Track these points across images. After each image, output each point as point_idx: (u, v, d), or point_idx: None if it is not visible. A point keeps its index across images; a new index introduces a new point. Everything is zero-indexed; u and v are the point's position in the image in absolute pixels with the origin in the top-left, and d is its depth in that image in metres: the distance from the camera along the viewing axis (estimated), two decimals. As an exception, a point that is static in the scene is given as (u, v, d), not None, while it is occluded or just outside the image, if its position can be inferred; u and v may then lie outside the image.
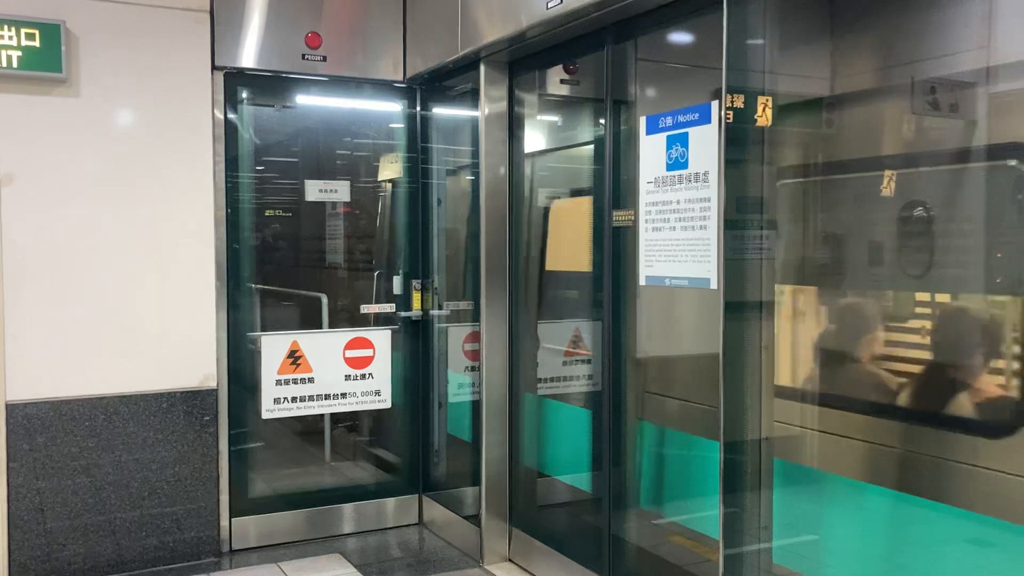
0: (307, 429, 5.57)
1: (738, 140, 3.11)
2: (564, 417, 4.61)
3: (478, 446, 4.53)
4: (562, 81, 4.49)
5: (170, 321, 4.42)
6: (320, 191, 4.94)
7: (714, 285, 3.12)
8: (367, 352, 4.85)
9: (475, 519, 4.58)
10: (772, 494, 3.18)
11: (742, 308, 3.12)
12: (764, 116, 3.20)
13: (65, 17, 4.11)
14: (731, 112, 3.06)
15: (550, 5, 3.65)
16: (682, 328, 4.07)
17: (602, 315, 3.91)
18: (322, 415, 5.29)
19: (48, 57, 4.06)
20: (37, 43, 4.04)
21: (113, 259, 4.30)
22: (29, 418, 4.15)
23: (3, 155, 4.08)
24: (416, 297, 5.06)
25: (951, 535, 2.94)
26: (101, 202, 4.27)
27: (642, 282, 3.52)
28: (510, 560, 4.50)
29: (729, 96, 3.03)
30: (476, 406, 4.63)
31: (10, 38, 3.99)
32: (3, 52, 3.97)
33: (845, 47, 3.47)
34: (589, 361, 4.40)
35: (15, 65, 4.00)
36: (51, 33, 4.06)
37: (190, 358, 4.48)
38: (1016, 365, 2.84)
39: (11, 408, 4.12)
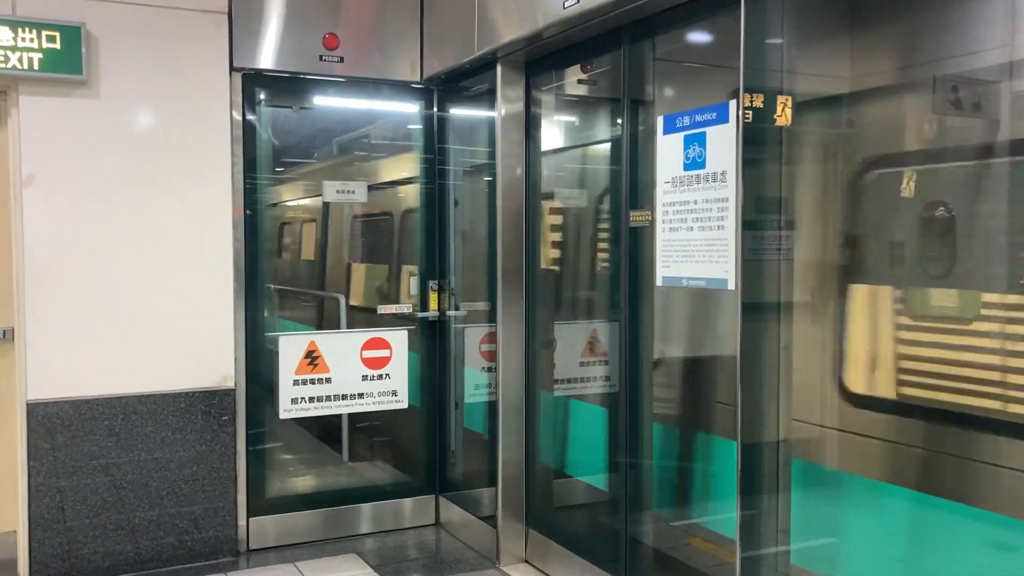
0: (324, 429, 5.59)
1: (756, 139, 3.08)
2: (581, 418, 4.59)
3: (494, 447, 4.52)
4: (579, 81, 4.48)
5: (188, 321, 4.44)
6: (337, 192, 4.95)
7: (732, 286, 3.10)
8: (384, 352, 4.86)
9: (492, 520, 4.58)
10: (790, 496, 3.15)
11: (760, 309, 3.09)
12: (784, 115, 3.18)
13: (85, 19, 4.14)
14: (750, 112, 3.04)
15: (567, 4, 3.64)
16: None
17: (619, 316, 3.89)
18: (339, 415, 5.30)
19: (68, 59, 4.09)
20: (58, 45, 4.07)
21: (132, 259, 4.32)
22: (49, 417, 4.18)
23: (24, 157, 4.12)
24: (433, 298, 5.06)
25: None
26: (120, 202, 4.29)
27: (659, 283, 3.51)
28: (527, 562, 4.49)
29: (747, 95, 3.00)
30: (492, 407, 4.62)
31: (31, 40, 4.02)
32: (24, 54, 4.01)
33: (864, 45, 3.44)
34: (606, 362, 4.38)
35: (36, 67, 4.03)
36: (71, 35, 4.09)
37: (208, 358, 4.50)
38: None
39: (32, 407, 4.15)
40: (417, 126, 5.15)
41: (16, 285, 4.18)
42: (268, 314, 4.88)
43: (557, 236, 4.80)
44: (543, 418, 4.53)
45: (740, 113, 3.02)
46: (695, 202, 3.31)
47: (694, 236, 3.31)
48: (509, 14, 4.11)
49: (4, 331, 4.27)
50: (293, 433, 5.24)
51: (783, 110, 3.19)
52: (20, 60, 4.00)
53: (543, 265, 4.54)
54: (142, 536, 4.38)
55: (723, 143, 3.17)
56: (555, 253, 4.72)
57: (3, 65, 3.97)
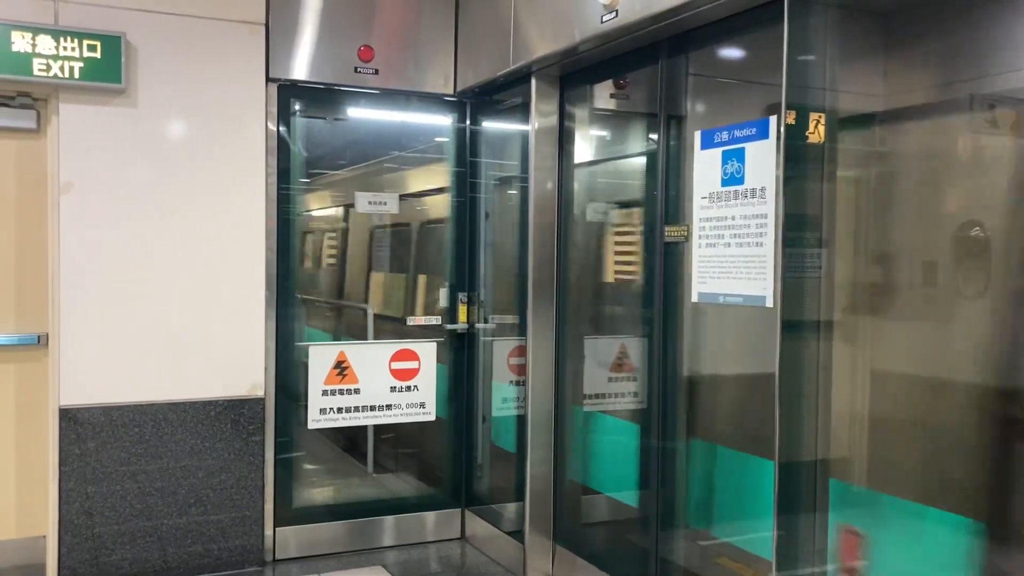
0: (350, 440, 5.59)
1: (797, 156, 3.06)
2: (611, 434, 4.56)
3: (523, 461, 4.49)
4: (613, 96, 4.47)
5: (219, 330, 4.46)
6: (370, 203, 4.97)
7: (770, 303, 3.07)
8: (413, 364, 4.85)
9: (518, 535, 4.55)
10: (828, 517, 3.11)
11: (800, 327, 3.06)
12: (817, 132, 3.16)
13: (126, 29, 4.19)
14: (790, 128, 3.02)
15: (604, 19, 3.64)
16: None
17: (651, 332, 3.86)
18: (366, 426, 5.30)
19: (108, 68, 4.13)
20: (98, 54, 4.11)
21: (166, 268, 4.35)
22: (81, 423, 4.20)
23: (63, 164, 4.16)
24: (462, 310, 5.06)
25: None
26: (154, 211, 4.32)
27: (694, 299, 3.48)
28: (553, 578, 4.46)
29: (789, 112, 2.98)
30: (521, 421, 4.60)
31: (73, 49, 4.06)
32: (65, 63, 4.05)
33: (908, 62, 3.41)
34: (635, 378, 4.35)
35: (76, 76, 4.08)
36: (112, 45, 4.13)
37: (238, 367, 4.51)
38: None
39: (64, 412, 4.18)
40: (450, 139, 5.16)
41: (51, 291, 4.21)
42: (299, 324, 4.89)
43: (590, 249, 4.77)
44: (572, 433, 4.50)
45: (781, 129, 3.00)
46: (733, 218, 3.29)
47: (732, 252, 3.29)
48: (545, 28, 4.12)
49: (39, 337, 4.30)
50: (320, 443, 5.24)
51: (815, 127, 3.17)
52: (61, 68, 4.05)
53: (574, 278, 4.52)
54: (169, 544, 4.38)
55: (763, 159, 3.15)
56: (590, 267, 4.70)
57: (45, 73, 4.02)
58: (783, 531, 2.97)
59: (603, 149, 4.80)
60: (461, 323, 5.07)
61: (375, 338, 5.22)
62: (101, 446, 4.24)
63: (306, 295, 5.15)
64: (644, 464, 4.07)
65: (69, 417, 4.18)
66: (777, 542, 2.96)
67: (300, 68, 4.62)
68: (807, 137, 3.16)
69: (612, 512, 4.56)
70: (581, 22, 3.81)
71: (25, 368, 4.35)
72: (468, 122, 5.09)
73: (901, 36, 3.38)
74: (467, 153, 5.10)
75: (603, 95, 4.48)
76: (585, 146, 4.58)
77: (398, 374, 4.83)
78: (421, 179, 5.47)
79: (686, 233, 3.59)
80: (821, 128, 3.19)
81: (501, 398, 4.96)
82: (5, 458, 4.36)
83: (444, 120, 5.12)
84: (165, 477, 4.37)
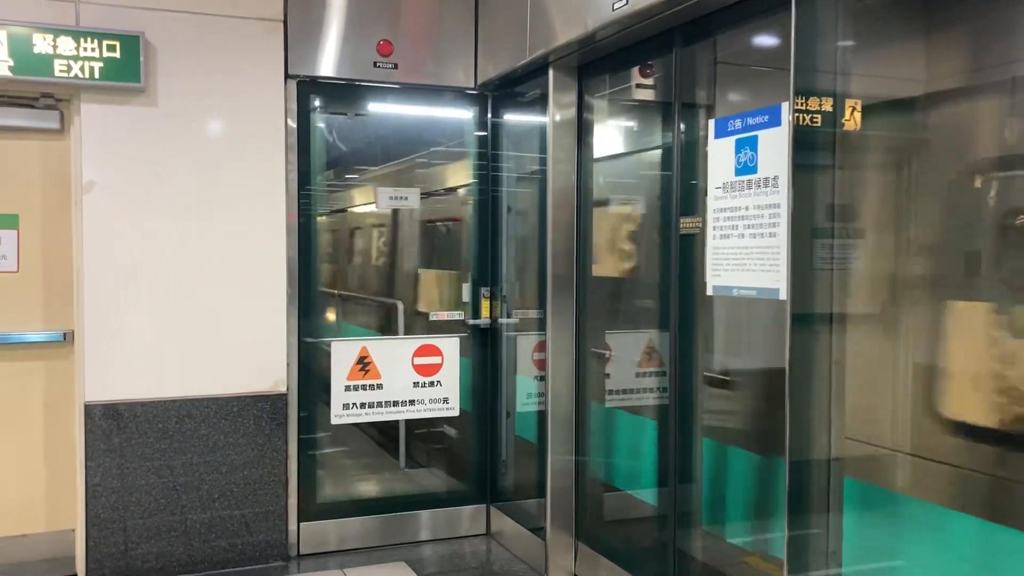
0: (378, 434, 5.59)
1: (808, 143, 2.95)
2: (630, 430, 4.48)
3: (544, 458, 4.44)
4: (639, 85, 4.38)
5: (242, 326, 4.48)
6: (391, 198, 4.95)
7: (783, 295, 2.97)
8: (435, 359, 4.83)
9: (541, 532, 4.50)
10: (842, 517, 2.99)
11: (811, 320, 2.96)
12: (852, 120, 3.05)
13: (144, 28, 4.23)
14: (815, 115, 2.92)
15: (616, 7, 3.56)
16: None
17: (669, 325, 3.78)
18: (397, 422, 5.30)
19: (127, 68, 4.17)
20: (117, 54, 4.15)
21: (188, 265, 4.39)
22: (106, 419, 4.26)
23: (85, 163, 4.22)
24: (485, 305, 5.02)
25: None
26: (175, 209, 4.36)
27: (709, 291, 3.39)
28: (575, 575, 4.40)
29: (798, 98, 2.88)
30: (542, 416, 4.55)
31: (92, 50, 4.11)
32: (86, 63, 4.11)
33: (932, 44, 3.27)
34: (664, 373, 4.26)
35: (96, 76, 4.13)
36: (131, 44, 4.17)
37: (261, 362, 4.54)
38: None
39: (89, 408, 4.24)
40: (471, 132, 5.12)
41: (76, 289, 4.28)
42: (321, 319, 4.90)
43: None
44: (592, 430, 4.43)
45: (791, 116, 2.90)
46: (746, 208, 3.20)
47: (745, 243, 3.19)
48: (559, 18, 4.05)
49: (64, 334, 4.38)
50: (344, 438, 5.25)
51: (851, 114, 3.05)
52: (82, 69, 4.10)
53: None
54: (194, 538, 4.43)
55: (775, 147, 3.04)
56: (607, 261, 4.62)
57: (66, 74, 4.08)
58: (795, 531, 2.87)
59: (622, 140, 4.71)
60: (484, 318, 5.03)
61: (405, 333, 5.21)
62: (126, 442, 4.30)
63: (330, 290, 5.16)
64: (662, 461, 3.99)
65: (94, 413, 4.25)
66: (789, 543, 2.86)
67: (319, 64, 4.62)
68: (843, 124, 3.05)
69: (634, 509, 4.48)
70: (594, 10, 3.73)
71: (52, 365, 4.43)
72: (489, 115, 5.04)
73: (925, 16, 3.24)
74: (489, 147, 5.06)
75: (621, 85, 4.39)
76: (604, 137, 4.50)
77: (421, 369, 4.82)
78: (443, 174, 5.44)
79: (700, 224, 3.50)
80: (857, 115, 3.07)
81: (525, 393, 4.92)
82: (34, 453, 4.45)
83: (465, 114, 5.09)
84: (189, 472, 4.41)
